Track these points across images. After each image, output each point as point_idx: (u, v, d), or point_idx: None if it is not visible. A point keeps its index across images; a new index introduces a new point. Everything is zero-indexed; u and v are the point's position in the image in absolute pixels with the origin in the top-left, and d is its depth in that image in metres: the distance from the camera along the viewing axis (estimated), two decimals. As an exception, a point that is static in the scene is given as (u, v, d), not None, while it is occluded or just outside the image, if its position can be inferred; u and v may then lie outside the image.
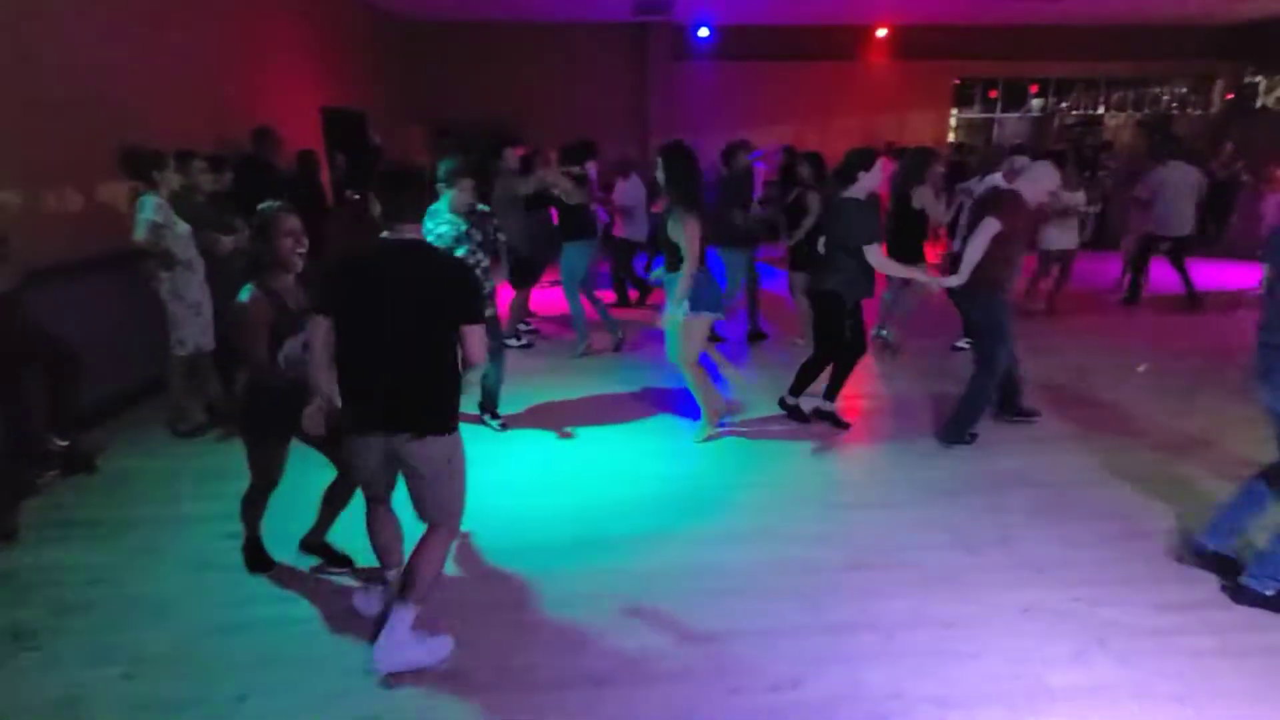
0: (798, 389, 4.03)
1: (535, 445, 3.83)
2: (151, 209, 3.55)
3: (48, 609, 2.52)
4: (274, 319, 2.31)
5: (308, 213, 6.07)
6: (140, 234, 3.54)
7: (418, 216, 2.17)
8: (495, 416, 4.02)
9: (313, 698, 2.10)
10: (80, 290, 4.00)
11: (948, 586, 2.56)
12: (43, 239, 3.79)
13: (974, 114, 12.73)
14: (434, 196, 3.34)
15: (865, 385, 4.66)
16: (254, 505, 2.64)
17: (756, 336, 5.69)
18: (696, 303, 3.56)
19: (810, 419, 4.03)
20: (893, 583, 2.58)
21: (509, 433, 3.98)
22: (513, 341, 5.38)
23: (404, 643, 2.14)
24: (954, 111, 12.43)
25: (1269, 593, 2.40)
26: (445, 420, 2.12)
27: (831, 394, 3.98)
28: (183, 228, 3.69)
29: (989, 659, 2.22)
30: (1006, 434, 3.85)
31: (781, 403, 4.11)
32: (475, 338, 2.07)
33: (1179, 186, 6.25)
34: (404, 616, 2.14)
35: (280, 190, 5.52)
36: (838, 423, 3.96)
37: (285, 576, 2.69)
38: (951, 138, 12.37)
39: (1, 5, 3.69)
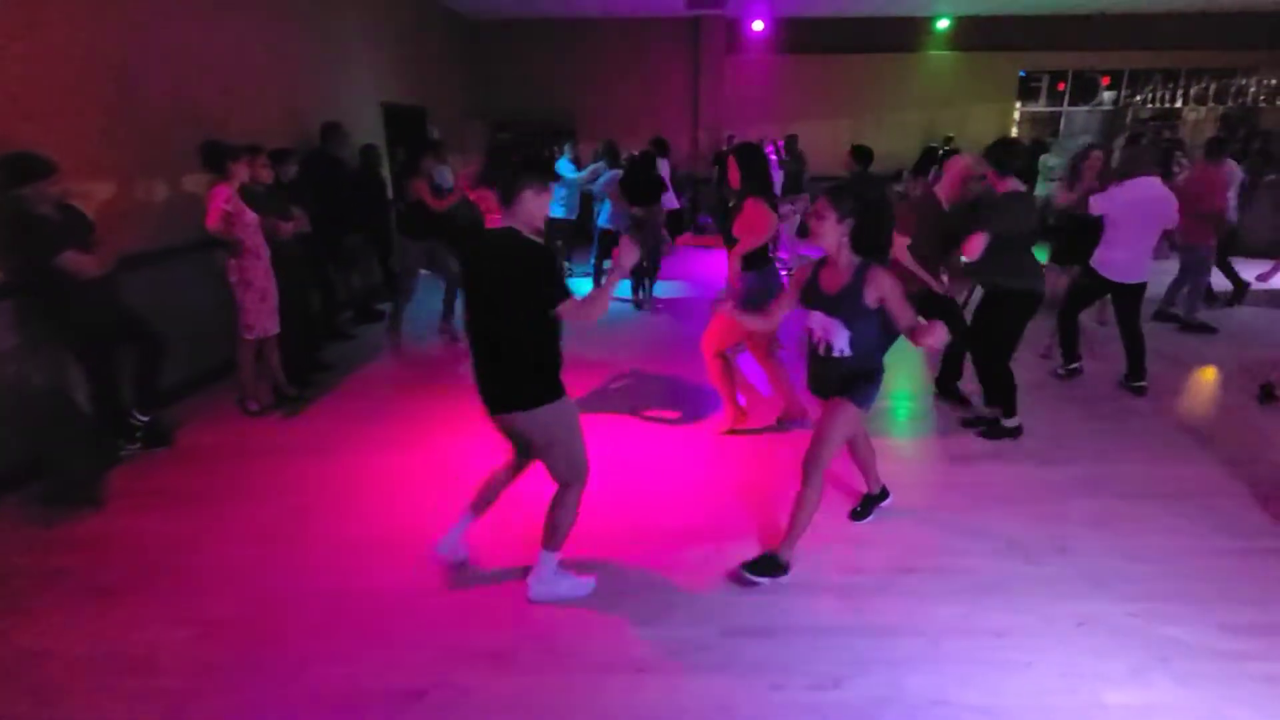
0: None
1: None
2: (223, 199, 3.75)
3: (132, 571, 2.71)
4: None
5: (369, 204, 6.40)
6: (213, 223, 3.74)
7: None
8: None
9: (368, 667, 2.21)
10: (161, 276, 4.25)
11: (999, 595, 2.50)
12: (130, 228, 4.05)
13: (1039, 108, 12.21)
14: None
15: (922, 387, 4.56)
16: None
17: None
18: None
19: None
20: (941, 588, 2.53)
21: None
22: None
23: (551, 580, 2.47)
24: (1018, 105, 11.94)
25: None
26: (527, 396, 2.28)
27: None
28: (251, 216, 3.89)
29: (1040, 671, 2.16)
30: (1070, 443, 3.71)
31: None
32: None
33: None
34: (548, 560, 2.46)
35: (345, 183, 5.76)
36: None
37: (345, 549, 2.81)
38: (1014, 133, 11.88)
39: (107, 16, 3.95)
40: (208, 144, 3.86)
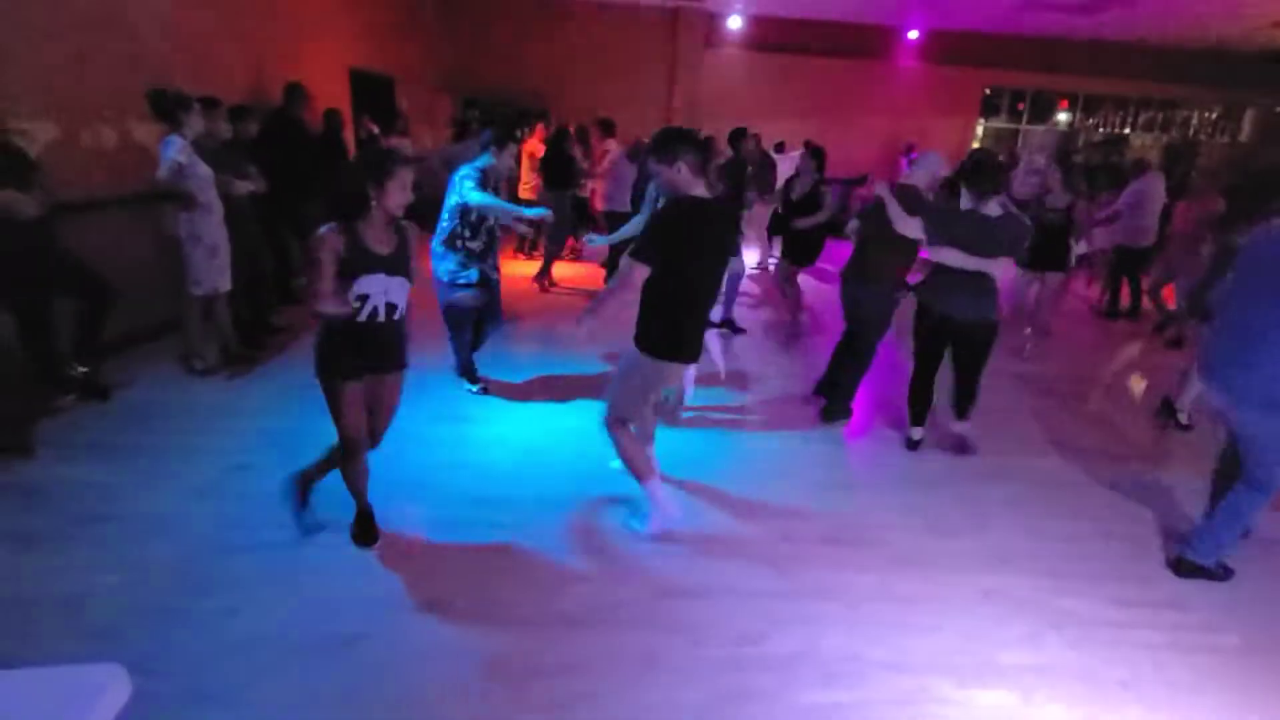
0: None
1: (531, 411, 3.94)
2: (175, 149, 3.66)
3: (61, 519, 2.66)
4: (346, 257, 2.25)
5: (331, 169, 6.27)
6: (163, 173, 3.65)
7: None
8: (474, 381, 4.10)
9: (300, 617, 2.23)
10: (111, 225, 4.14)
11: (915, 566, 2.66)
12: (78, 173, 3.94)
13: (1000, 124, 12.66)
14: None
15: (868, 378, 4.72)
16: (346, 468, 2.53)
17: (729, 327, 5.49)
18: None
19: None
20: (862, 558, 2.68)
21: (509, 397, 4.10)
22: None
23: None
24: (980, 120, 12.36)
25: (1209, 564, 2.56)
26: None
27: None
28: (205, 170, 3.80)
29: (945, 634, 2.31)
30: (993, 435, 3.91)
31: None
32: None
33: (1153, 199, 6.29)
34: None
35: (306, 146, 5.65)
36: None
37: (280, 506, 2.80)
38: (976, 146, 12.31)
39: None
40: (155, 92, 3.75)
